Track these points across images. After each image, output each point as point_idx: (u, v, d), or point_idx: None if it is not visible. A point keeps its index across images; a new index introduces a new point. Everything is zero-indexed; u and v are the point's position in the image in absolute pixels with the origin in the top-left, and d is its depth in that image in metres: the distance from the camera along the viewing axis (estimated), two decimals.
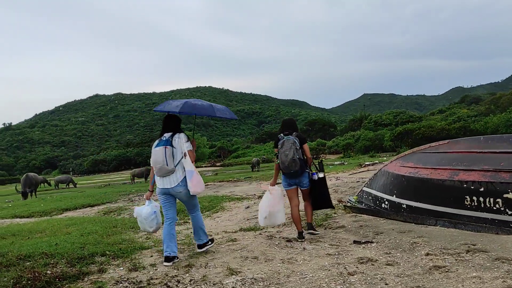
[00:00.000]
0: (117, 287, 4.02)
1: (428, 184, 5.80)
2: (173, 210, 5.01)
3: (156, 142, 4.90)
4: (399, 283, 3.57)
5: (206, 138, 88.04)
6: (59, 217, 10.57)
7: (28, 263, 4.63)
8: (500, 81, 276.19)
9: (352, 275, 3.87)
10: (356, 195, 7.63)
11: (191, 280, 4.07)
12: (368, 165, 19.73)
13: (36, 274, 4.27)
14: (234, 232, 6.29)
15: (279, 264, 4.40)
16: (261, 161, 44.04)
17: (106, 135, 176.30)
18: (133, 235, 6.50)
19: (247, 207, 8.61)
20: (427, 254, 4.22)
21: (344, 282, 3.70)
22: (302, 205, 5.79)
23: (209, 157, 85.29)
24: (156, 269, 4.47)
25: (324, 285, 3.68)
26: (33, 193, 21.89)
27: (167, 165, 4.71)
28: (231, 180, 20.47)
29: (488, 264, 3.75)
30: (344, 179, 13.50)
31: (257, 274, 4.12)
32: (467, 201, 5.23)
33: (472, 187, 5.16)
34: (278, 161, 5.49)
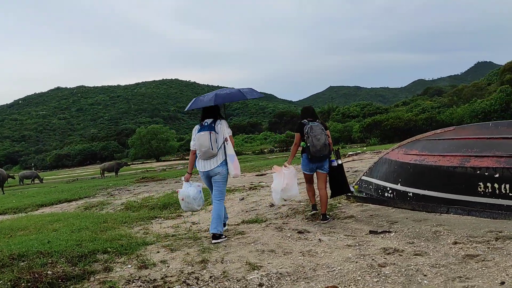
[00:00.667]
0: (130, 286, 3.68)
1: (437, 171, 5.69)
2: None
3: (198, 127, 5.21)
4: (437, 273, 3.39)
5: (175, 132, 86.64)
6: (36, 213, 9.97)
7: (23, 263, 4.21)
8: (460, 74, 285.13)
9: (383, 266, 3.68)
10: (356, 185, 7.48)
11: (211, 276, 3.78)
12: (352, 154, 19.78)
13: (36, 275, 3.87)
14: (237, 224, 6.01)
15: (300, 257, 4.16)
16: None
17: (69, 129, 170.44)
18: (128, 230, 6.12)
19: (242, 199, 8.32)
20: (455, 243, 4.08)
21: (378, 274, 3.50)
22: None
23: (178, 150, 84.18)
24: (168, 266, 4.14)
25: (358, 278, 3.46)
26: (1, 189, 20.79)
27: (212, 149, 5.02)
28: None
29: None
30: None
31: (280, 268, 3.87)
32: (480, 187, 5.14)
33: (486, 174, 5.06)
34: (305, 145, 5.62)
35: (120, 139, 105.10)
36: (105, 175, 31.83)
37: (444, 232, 4.46)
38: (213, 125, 5.11)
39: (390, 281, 3.34)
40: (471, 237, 4.18)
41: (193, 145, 5.21)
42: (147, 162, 64.46)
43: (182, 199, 5.30)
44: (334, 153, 6.01)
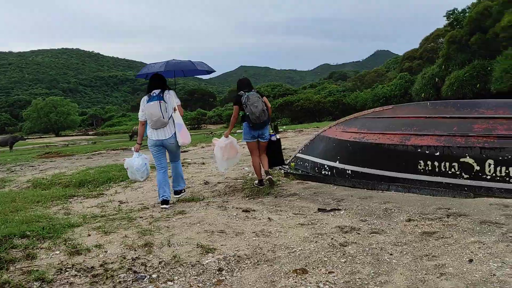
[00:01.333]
0: (63, 276, 3.12)
1: (377, 149, 5.71)
2: (165, 159, 5.45)
3: (146, 98, 5.26)
4: (403, 252, 3.30)
5: (77, 105, 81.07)
6: None
7: None
8: (361, 60, 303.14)
9: (345, 246, 3.51)
10: (292, 162, 7.34)
11: (160, 262, 3.33)
12: None
13: None
14: (173, 203, 5.53)
15: (254, 238, 3.86)
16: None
17: None
18: (45, 211, 5.36)
19: (170, 177, 7.76)
20: (409, 220, 4.04)
21: (344, 254, 3.32)
22: None
23: (80, 125, 79.22)
24: (106, 251, 3.61)
25: (325, 259, 3.25)
26: None
27: (163, 117, 5.11)
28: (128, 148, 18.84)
29: (478, 228, 3.66)
30: None
31: (237, 250, 3.54)
32: (420, 165, 5.23)
33: (427, 152, 5.16)
34: (243, 114, 5.78)
35: (13, 111, 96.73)
36: None
37: (394, 210, 4.43)
38: (161, 95, 5.22)
39: (358, 261, 3.17)
40: (422, 214, 4.18)
41: (141, 115, 5.28)
42: (45, 137, 59.89)
43: (127, 168, 5.42)
44: (273, 128, 6.28)
